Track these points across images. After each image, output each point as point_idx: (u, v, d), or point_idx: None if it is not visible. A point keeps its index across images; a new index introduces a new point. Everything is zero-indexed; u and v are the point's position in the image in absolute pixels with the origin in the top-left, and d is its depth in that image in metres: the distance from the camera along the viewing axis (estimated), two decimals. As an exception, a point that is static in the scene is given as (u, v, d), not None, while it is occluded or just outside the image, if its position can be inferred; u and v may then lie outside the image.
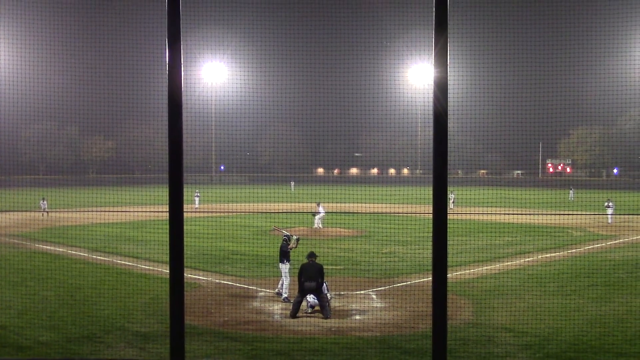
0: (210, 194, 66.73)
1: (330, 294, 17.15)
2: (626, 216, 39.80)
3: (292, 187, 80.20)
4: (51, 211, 43.99)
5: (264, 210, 42.12)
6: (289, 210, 42.09)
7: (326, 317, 15.84)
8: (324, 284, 16.65)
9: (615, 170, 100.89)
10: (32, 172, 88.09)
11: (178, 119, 5.20)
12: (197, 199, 53.43)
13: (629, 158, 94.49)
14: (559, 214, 40.65)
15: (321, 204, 38.61)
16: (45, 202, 45.18)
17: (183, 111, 5.23)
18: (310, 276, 16.23)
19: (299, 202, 51.90)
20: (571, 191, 67.98)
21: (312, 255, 16.83)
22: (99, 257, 25.55)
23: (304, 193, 67.84)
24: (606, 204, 41.80)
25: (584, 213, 39.98)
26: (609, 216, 40.39)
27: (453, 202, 51.55)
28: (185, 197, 5.29)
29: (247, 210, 46.33)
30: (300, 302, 16.26)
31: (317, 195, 40.73)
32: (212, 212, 41.02)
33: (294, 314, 16.09)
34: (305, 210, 43.42)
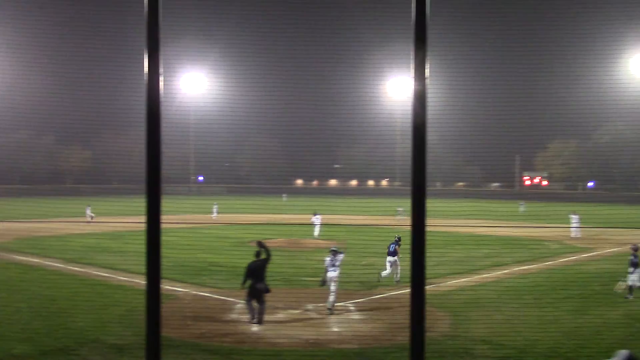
0: (188, 204, 66.27)
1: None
2: (590, 229, 40.32)
3: (284, 198, 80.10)
4: (28, 221, 43.35)
5: (243, 222, 41.93)
6: (270, 222, 41.95)
7: (258, 323, 16.00)
8: (342, 254, 18.19)
9: (590, 184, 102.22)
10: (5, 182, 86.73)
11: (156, 129, 5.16)
12: (215, 209, 54.66)
13: (604, 171, 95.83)
14: (535, 227, 41.01)
15: (317, 214, 38.96)
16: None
17: (161, 121, 5.20)
18: (259, 276, 16.23)
19: (280, 214, 51.75)
20: (521, 204, 68.38)
21: (258, 254, 16.68)
22: (74, 269, 25.19)
23: (288, 205, 67.69)
24: (571, 216, 41.87)
25: (561, 226, 40.38)
26: (573, 229, 40.55)
27: (401, 213, 51.31)
28: (169, 208, 5.24)
29: (226, 222, 46.07)
30: (252, 304, 16.21)
31: (299, 206, 40.74)
32: (189, 223, 40.72)
33: (253, 317, 16.16)
34: (284, 222, 43.31)
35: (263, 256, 16.62)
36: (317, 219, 39.11)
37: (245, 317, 16.68)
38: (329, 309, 17.81)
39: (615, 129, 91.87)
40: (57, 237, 34.63)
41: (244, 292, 16.57)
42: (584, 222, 43.10)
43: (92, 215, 45.44)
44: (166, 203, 5.77)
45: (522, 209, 66.13)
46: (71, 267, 25.44)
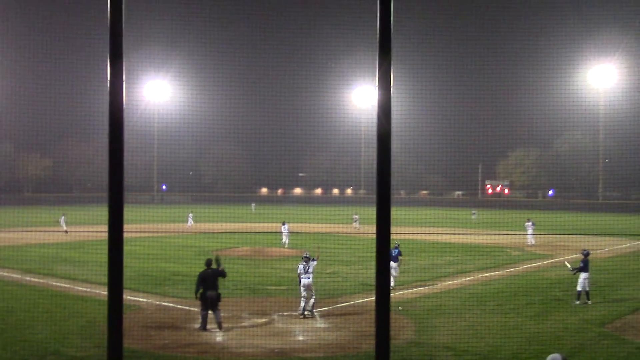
0: (152, 213, 65.43)
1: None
2: (550, 235, 41.11)
3: (253, 208, 79.45)
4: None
5: (207, 230, 41.59)
6: (235, 230, 41.69)
7: (218, 329, 16.31)
8: (314, 261, 18.38)
9: (550, 192, 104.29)
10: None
11: (119, 137, 5.09)
12: (190, 217, 54.16)
13: (563, 180, 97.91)
14: (496, 234, 41.63)
15: (286, 223, 39.35)
16: None
17: (124, 129, 5.13)
18: (211, 284, 16.36)
19: (249, 222, 51.49)
20: (473, 213, 69.15)
21: (209, 262, 16.91)
22: (33, 279, 24.60)
23: (257, 213, 67.37)
24: (526, 224, 42.50)
25: (520, 233, 41.07)
26: (529, 236, 41.14)
27: (357, 222, 51.72)
28: (131, 217, 5.16)
29: (189, 230, 45.64)
30: (206, 314, 16.32)
31: (267, 215, 40.61)
32: (152, 232, 40.21)
33: (204, 327, 16.26)
34: (251, 230, 43.11)
35: (214, 266, 16.87)
36: (285, 228, 39.12)
37: (198, 325, 16.66)
38: (309, 311, 18.18)
39: (574, 138, 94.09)
40: (15, 247, 33.80)
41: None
42: (543, 230, 43.93)
43: (66, 228, 44.19)
44: (129, 212, 5.69)
45: (474, 217, 66.73)
46: (29, 278, 24.84)
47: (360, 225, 50.28)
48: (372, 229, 5.19)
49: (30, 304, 19.61)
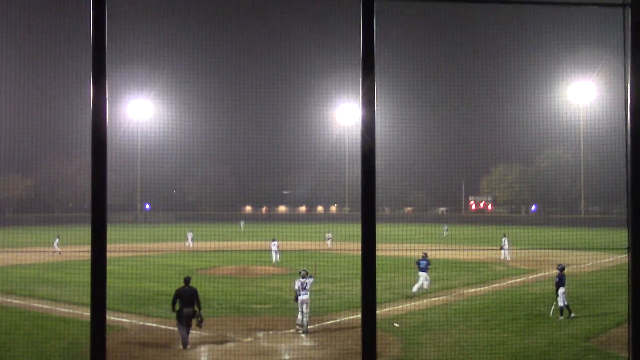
0: (135, 232, 64.92)
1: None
2: (530, 250, 41.29)
3: (242, 226, 78.76)
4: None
5: (191, 249, 41.31)
6: (216, 249, 41.39)
7: (184, 346, 16.41)
8: (311, 278, 18.70)
9: (533, 207, 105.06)
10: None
11: (102, 155, 5.05)
12: (189, 235, 53.70)
13: (545, 195, 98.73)
14: (480, 250, 41.73)
15: (275, 240, 39.52)
16: None
17: (107, 148, 5.10)
18: (187, 302, 16.59)
19: (236, 241, 51.19)
20: (445, 228, 69.24)
21: (187, 280, 17.21)
22: (13, 301, 24.23)
23: (245, 231, 67.07)
24: (503, 239, 42.61)
25: (504, 248, 41.22)
26: (504, 251, 41.16)
27: (329, 240, 51.60)
28: (114, 237, 5.11)
29: (173, 249, 45.27)
30: (185, 331, 16.45)
31: (254, 233, 40.43)
32: (135, 251, 39.84)
33: (185, 344, 16.36)
34: (237, 249, 42.87)
35: (193, 285, 17.18)
36: (275, 245, 39.16)
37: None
38: (302, 327, 18.28)
39: (555, 154, 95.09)
40: (-4, 269, 33.30)
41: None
42: (527, 245, 44.16)
43: (59, 249, 43.51)
44: (112, 231, 5.64)
45: (445, 233, 66.72)
46: (10, 300, 24.46)
47: (333, 242, 49.95)
48: (346, 246, 5.18)
49: (11, 326, 19.27)
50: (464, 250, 39.13)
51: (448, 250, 40.29)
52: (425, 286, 25.74)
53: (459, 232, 67.45)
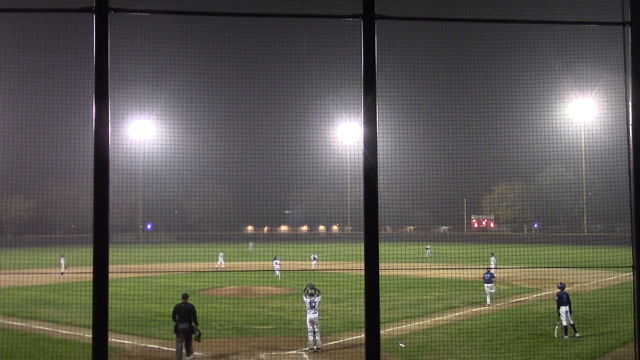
0: (136, 253, 64.81)
1: None
2: (533, 269, 40.96)
3: (251, 247, 78.19)
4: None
5: (191, 270, 41.17)
6: (215, 270, 41.35)
7: (188, 354, 16.96)
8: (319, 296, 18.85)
9: (535, 225, 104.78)
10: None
11: (104, 176, 5.06)
12: (220, 256, 53.43)
13: (547, 213, 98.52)
14: (480, 268, 41.49)
15: (277, 258, 40.13)
16: None
17: (109, 169, 5.10)
18: (184, 317, 17.08)
19: (245, 261, 51.10)
20: (428, 248, 67.73)
21: (185, 296, 17.77)
22: (14, 323, 24.11)
23: (250, 252, 66.92)
24: (491, 258, 42.40)
25: (507, 267, 41.04)
26: (492, 269, 40.81)
27: (315, 259, 50.88)
28: (116, 257, 5.09)
29: (174, 270, 45.12)
30: (181, 346, 16.93)
31: (255, 253, 40.33)
32: (137, 272, 39.71)
33: (179, 357, 16.87)
34: (240, 269, 42.73)
35: (190, 301, 17.74)
36: (277, 263, 39.44)
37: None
38: (317, 348, 18.37)
39: (557, 172, 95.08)
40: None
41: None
42: (531, 263, 43.90)
43: (64, 268, 43.33)
44: (113, 252, 5.62)
45: (428, 253, 65.81)
46: (10, 322, 24.34)
47: (318, 262, 49.54)
48: (333, 265, 5.15)
49: (11, 348, 19.17)
50: (453, 269, 38.92)
51: (452, 269, 40.10)
52: (488, 300, 28.45)
53: (459, 250, 67.19)
